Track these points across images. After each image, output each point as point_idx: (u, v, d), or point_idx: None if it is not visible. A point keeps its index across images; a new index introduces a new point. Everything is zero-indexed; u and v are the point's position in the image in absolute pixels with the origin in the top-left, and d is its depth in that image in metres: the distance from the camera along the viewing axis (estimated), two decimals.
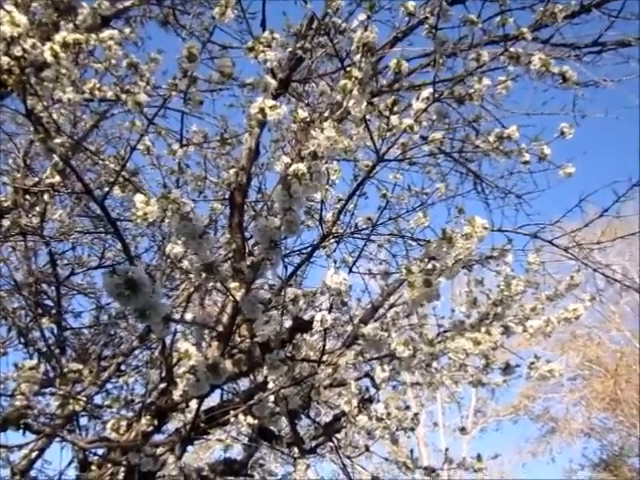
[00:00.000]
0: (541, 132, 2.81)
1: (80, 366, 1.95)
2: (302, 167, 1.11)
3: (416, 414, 2.04)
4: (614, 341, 16.24)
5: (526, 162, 2.15)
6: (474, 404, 16.02)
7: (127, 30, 3.30)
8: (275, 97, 2.58)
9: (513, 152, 2.14)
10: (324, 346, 2.08)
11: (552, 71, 1.95)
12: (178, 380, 1.85)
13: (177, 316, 3.04)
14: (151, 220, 1.69)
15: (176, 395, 1.91)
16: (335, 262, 2.09)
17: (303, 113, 1.44)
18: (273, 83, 1.94)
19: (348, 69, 1.29)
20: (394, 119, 1.90)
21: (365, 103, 1.35)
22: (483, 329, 1.69)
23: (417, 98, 2.11)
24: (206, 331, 1.48)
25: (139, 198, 1.58)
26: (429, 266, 1.84)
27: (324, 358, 1.92)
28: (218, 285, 2.00)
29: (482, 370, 2.77)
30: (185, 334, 1.66)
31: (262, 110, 1.44)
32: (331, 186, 2.11)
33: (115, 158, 2.25)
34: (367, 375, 2.79)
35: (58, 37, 2.00)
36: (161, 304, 1.02)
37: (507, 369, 2.75)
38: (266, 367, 1.80)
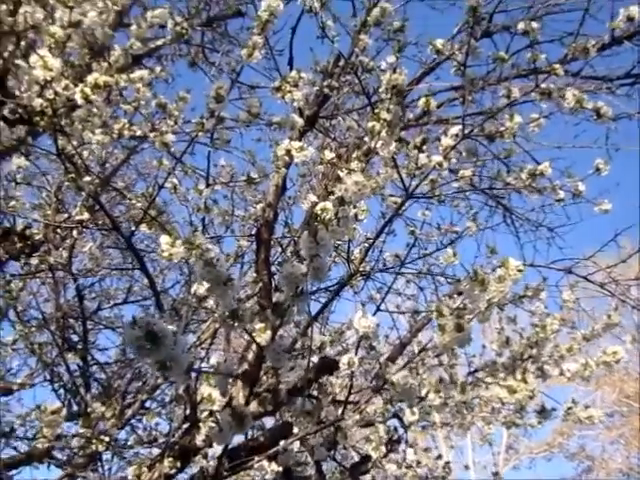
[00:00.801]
0: (572, 165, 2.75)
1: (103, 408, 1.92)
2: (329, 208, 1.07)
3: (447, 463, 1.94)
4: None
5: (560, 200, 2.09)
6: (506, 440, 15.49)
7: (158, 69, 3.37)
8: (302, 133, 2.59)
9: (546, 189, 2.07)
10: (350, 387, 2.02)
11: (586, 107, 1.90)
12: (201, 424, 1.80)
13: (202, 353, 3.01)
14: (176, 260, 1.68)
15: (199, 440, 1.86)
16: (363, 304, 2.04)
17: (330, 154, 1.42)
18: (300, 122, 1.93)
19: (376, 111, 1.26)
20: (422, 157, 1.87)
21: (393, 144, 1.32)
22: (518, 375, 1.60)
23: (445, 134, 2.08)
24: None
25: (164, 240, 1.57)
26: (460, 305, 1.77)
27: (351, 399, 1.85)
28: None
29: (516, 413, 2.64)
30: (208, 377, 1.62)
31: (289, 152, 1.43)
32: (359, 224, 2.08)
33: (143, 195, 2.27)
34: (395, 415, 2.70)
35: (90, 78, 2.04)
36: (183, 356, 0.99)
37: (543, 412, 2.62)
38: (291, 413, 1.75)
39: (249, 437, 3.24)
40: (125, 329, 0.92)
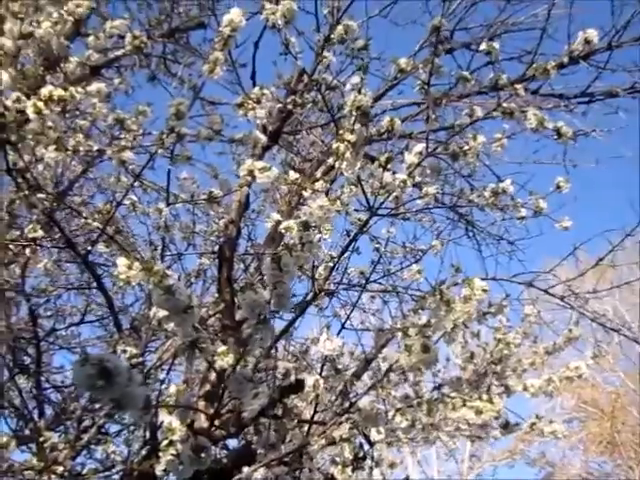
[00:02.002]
0: (532, 179, 2.80)
1: (56, 439, 1.82)
2: (293, 227, 1.04)
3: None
4: (608, 382, 16.04)
5: (522, 217, 2.11)
6: (469, 449, 15.65)
7: (117, 80, 3.28)
8: (265, 149, 2.55)
9: (509, 207, 2.09)
10: (315, 410, 1.98)
11: (547, 127, 1.92)
12: (161, 454, 1.72)
13: (163, 374, 2.91)
14: (134, 283, 1.61)
15: (158, 470, 1.78)
16: (328, 326, 2.01)
17: (294, 174, 1.39)
18: (263, 139, 1.90)
19: (340, 132, 1.24)
20: (387, 176, 1.86)
21: (358, 164, 1.30)
22: (484, 395, 1.60)
23: (409, 150, 2.07)
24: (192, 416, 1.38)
25: (121, 262, 1.50)
26: (426, 322, 1.76)
27: (314, 428, 1.81)
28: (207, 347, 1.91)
29: (480, 428, 2.65)
30: (169, 408, 1.55)
31: (251, 172, 1.39)
32: (323, 243, 2.06)
33: (100, 213, 2.18)
34: (361, 432, 2.67)
35: (44, 91, 1.95)
36: (139, 392, 0.93)
37: (507, 427, 2.64)
38: (255, 444, 1.70)
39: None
40: (74, 367, 0.86)
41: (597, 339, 3.14)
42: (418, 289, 2.67)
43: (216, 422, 2.45)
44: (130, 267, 1.51)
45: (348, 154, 1.24)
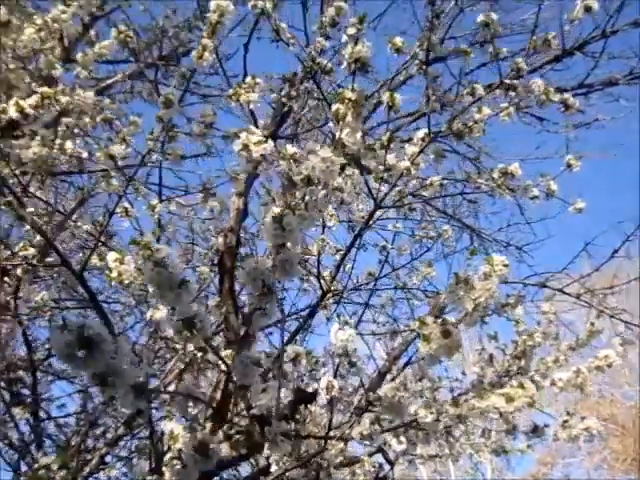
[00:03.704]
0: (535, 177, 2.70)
1: (49, 460, 1.67)
2: (296, 195, 0.94)
3: None
4: (627, 397, 15.63)
5: (535, 197, 2.00)
6: (490, 476, 15.16)
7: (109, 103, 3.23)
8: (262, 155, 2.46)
9: (519, 189, 1.99)
10: (331, 418, 1.83)
11: (553, 99, 1.84)
12: (164, 469, 1.57)
13: (167, 397, 2.76)
14: (127, 281, 1.49)
15: None
16: (338, 320, 1.88)
17: (292, 149, 1.29)
18: (258, 132, 1.81)
19: (340, 91, 1.14)
20: (391, 158, 1.76)
21: (360, 134, 1.20)
22: (515, 383, 1.46)
23: (412, 139, 1.98)
24: (195, 409, 1.24)
25: (112, 256, 1.39)
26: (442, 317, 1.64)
27: (332, 432, 1.67)
28: (211, 357, 1.78)
29: (507, 434, 2.48)
30: (171, 413, 1.42)
31: (246, 146, 1.29)
32: (328, 228, 1.95)
33: (93, 225, 2.08)
34: (380, 450, 2.51)
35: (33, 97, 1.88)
36: (128, 369, 0.81)
37: (536, 431, 2.47)
38: (267, 445, 1.55)
39: None
40: (52, 333, 0.74)
41: (617, 333, 2.98)
42: (431, 286, 2.54)
43: (225, 443, 2.30)
44: (121, 261, 1.40)
45: (349, 117, 1.15)
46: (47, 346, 2.88)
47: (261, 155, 1.23)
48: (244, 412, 1.25)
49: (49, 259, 2.71)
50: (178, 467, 1.14)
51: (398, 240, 2.56)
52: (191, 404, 1.05)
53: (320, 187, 0.99)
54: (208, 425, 2.37)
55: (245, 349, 1.05)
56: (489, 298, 1.44)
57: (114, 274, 1.39)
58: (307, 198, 0.98)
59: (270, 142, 1.29)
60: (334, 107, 1.18)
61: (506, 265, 1.46)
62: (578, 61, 3.30)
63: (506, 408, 1.40)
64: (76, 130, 1.87)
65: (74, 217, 3.09)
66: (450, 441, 3.26)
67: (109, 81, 4.32)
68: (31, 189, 2.81)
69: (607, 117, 3.24)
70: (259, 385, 1.15)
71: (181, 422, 1.59)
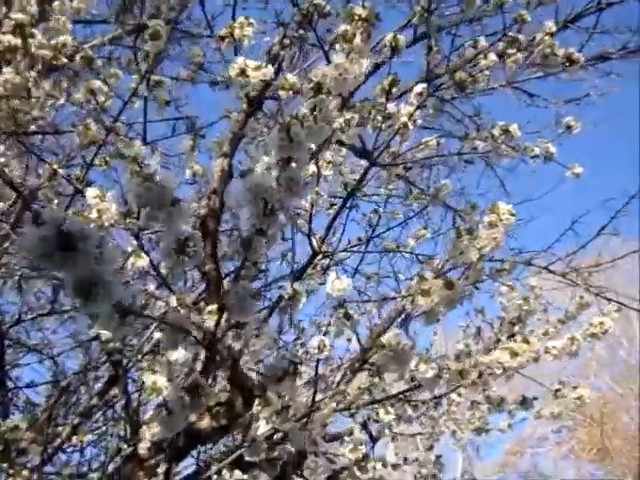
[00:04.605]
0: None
1: (18, 420, 1.55)
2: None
3: (439, 457, 1.69)
4: (595, 388, 15.93)
5: (536, 156, 1.94)
6: (461, 465, 15.34)
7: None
8: (248, 115, 2.35)
9: (519, 148, 1.92)
10: (317, 380, 1.74)
11: (557, 54, 1.77)
12: (145, 428, 1.47)
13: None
14: (107, 224, 1.37)
15: (142, 448, 1.52)
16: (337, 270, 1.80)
17: (292, 77, 1.18)
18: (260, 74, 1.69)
19: (350, 6, 1.04)
20: (391, 106, 1.67)
21: (367, 61, 1.10)
22: (518, 338, 1.39)
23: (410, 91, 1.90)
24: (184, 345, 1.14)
25: (91, 192, 1.27)
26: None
27: (322, 395, 1.58)
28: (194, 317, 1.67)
29: (496, 407, 2.44)
30: (152, 365, 1.31)
31: (243, 71, 1.18)
32: (323, 179, 1.85)
33: (68, 180, 1.93)
34: (363, 426, 2.44)
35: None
36: (115, 281, 0.70)
37: (524, 402, 2.44)
38: (257, 404, 1.45)
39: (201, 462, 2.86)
40: (25, 230, 0.62)
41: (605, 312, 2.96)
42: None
43: (205, 415, 2.19)
44: (102, 198, 1.28)
45: (358, 38, 1.05)
46: (15, 315, 2.73)
47: (261, 81, 1.12)
48: (236, 354, 1.14)
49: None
50: (163, 415, 1.04)
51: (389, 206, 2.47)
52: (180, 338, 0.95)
53: (331, 97, 0.89)
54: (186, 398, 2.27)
55: (241, 281, 0.94)
56: (495, 248, 1.36)
57: (93, 213, 1.26)
58: (318, 107, 0.88)
59: (270, 67, 1.19)
60: (341, 29, 1.08)
61: (513, 214, 1.39)
62: (571, 35, 3.25)
63: (510, 363, 1.33)
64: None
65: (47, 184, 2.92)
66: (434, 417, 3.20)
67: (86, 45, 4.13)
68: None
69: (598, 93, 3.20)
70: (254, 322, 1.05)
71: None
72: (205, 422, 2.18)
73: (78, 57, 1.69)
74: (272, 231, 0.89)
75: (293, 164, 0.87)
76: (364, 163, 2.06)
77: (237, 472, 1.60)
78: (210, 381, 2.13)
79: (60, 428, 2.48)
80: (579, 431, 15.64)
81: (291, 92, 1.19)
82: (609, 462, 15.11)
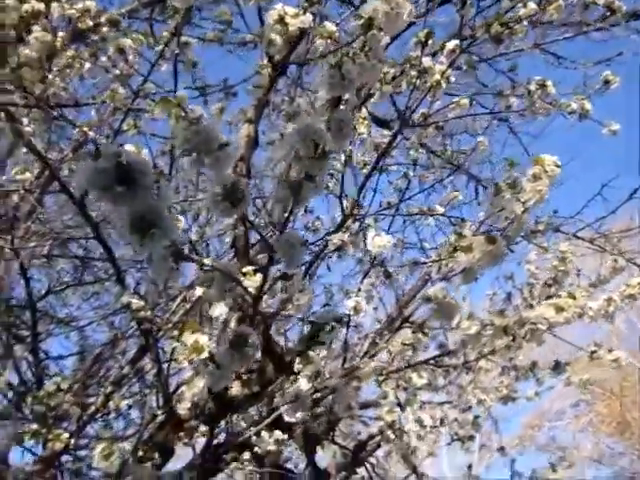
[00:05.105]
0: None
1: (59, 382, 1.56)
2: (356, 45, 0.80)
3: (477, 417, 1.67)
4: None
5: (573, 112, 1.88)
6: (479, 439, 15.39)
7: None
8: (272, 80, 2.30)
9: (556, 104, 1.86)
10: (346, 340, 1.72)
11: (597, 2, 1.69)
12: (185, 388, 1.47)
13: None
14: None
15: (182, 409, 1.52)
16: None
17: (331, 26, 1.14)
18: (279, 40, 1.65)
19: None
20: (427, 60, 1.62)
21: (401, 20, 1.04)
22: (563, 293, 1.36)
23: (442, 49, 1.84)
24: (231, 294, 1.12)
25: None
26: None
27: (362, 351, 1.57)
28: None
29: (527, 372, 2.42)
30: (192, 323, 1.29)
31: (282, 19, 1.14)
32: (359, 135, 1.81)
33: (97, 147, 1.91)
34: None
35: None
36: (171, 218, 0.68)
37: (557, 368, 2.41)
38: (298, 362, 1.44)
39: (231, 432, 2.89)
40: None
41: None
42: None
43: (236, 382, 2.20)
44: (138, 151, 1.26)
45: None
46: (44, 289, 2.75)
47: (298, 29, 1.08)
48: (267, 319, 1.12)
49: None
50: (211, 369, 1.03)
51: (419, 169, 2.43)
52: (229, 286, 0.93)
53: (382, 34, 0.85)
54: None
55: (287, 229, 0.92)
56: (539, 201, 1.32)
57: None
58: (369, 43, 0.84)
59: (309, 15, 1.15)
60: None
61: (558, 165, 1.34)
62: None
63: (556, 319, 1.30)
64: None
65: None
66: (462, 385, 3.19)
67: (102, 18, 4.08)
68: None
69: (629, 52, 3.09)
70: (299, 276, 1.03)
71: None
72: (236, 389, 2.19)
73: (104, 18, 1.65)
74: (320, 176, 0.86)
75: (342, 106, 0.84)
76: (387, 133, 2.02)
77: (277, 432, 1.60)
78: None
79: (92, 399, 2.51)
80: (598, 404, 15.60)
81: (329, 40, 1.15)
82: (629, 435, 15.08)
